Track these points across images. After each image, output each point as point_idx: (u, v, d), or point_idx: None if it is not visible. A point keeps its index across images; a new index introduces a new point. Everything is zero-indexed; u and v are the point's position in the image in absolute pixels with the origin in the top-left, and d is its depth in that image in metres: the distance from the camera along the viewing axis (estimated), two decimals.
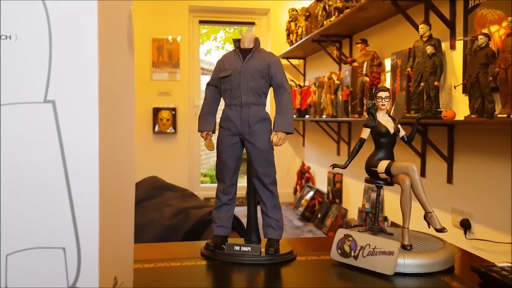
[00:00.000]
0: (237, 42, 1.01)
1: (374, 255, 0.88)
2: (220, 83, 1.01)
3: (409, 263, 0.87)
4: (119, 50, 0.55)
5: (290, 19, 5.06)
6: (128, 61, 0.58)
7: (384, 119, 1.00)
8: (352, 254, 0.91)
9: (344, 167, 1.00)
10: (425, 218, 0.94)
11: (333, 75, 3.92)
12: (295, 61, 5.59)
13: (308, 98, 4.66)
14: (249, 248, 0.95)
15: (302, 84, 5.29)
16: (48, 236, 0.47)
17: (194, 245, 1.06)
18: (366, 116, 1.01)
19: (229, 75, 0.98)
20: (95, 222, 0.47)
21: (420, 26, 2.59)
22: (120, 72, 0.55)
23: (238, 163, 1.01)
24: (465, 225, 2.45)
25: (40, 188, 0.46)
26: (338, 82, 3.85)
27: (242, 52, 1.00)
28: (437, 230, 0.92)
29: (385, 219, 3.35)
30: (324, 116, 4.09)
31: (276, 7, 5.69)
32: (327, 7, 3.91)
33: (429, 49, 2.50)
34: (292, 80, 5.22)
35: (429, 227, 0.94)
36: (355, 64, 3.50)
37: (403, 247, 0.91)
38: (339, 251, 0.93)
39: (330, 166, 1.07)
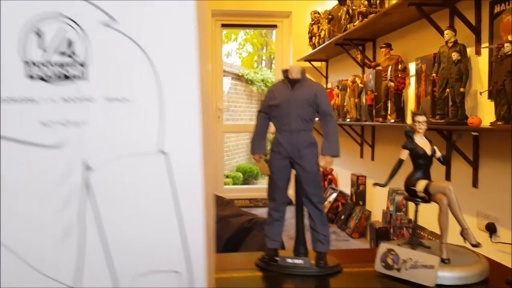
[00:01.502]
0: (285, 72, 1.11)
1: (416, 268, 0.97)
2: (270, 110, 1.10)
3: (447, 275, 0.96)
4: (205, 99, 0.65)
5: (313, 22, 5.10)
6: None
7: (422, 142, 1.09)
8: (395, 266, 1.00)
9: (384, 185, 1.10)
10: (461, 234, 1.03)
11: (356, 79, 3.97)
12: (317, 64, 5.63)
13: (331, 101, 4.73)
14: (302, 261, 1.05)
15: (324, 87, 5.35)
16: (163, 261, 0.58)
17: (247, 256, 1.16)
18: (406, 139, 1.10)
19: (278, 104, 1.08)
20: (202, 249, 0.58)
21: (446, 32, 2.60)
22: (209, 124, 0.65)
23: (288, 183, 1.11)
24: (491, 229, 2.50)
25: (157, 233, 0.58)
26: (362, 86, 3.90)
27: (290, 82, 1.09)
28: (473, 245, 1.01)
29: (409, 221, 3.41)
30: (347, 120, 4.15)
31: (298, 9, 5.73)
32: (350, 10, 3.95)
33: (455, 56, 2.51)
34: None
35: (465, 242, 1.03)
36: (379, 68, 3.54)
37: (442, 260, 0.99)
38: (383, 263, 1.02)
39: (373, 185, 1.16)
